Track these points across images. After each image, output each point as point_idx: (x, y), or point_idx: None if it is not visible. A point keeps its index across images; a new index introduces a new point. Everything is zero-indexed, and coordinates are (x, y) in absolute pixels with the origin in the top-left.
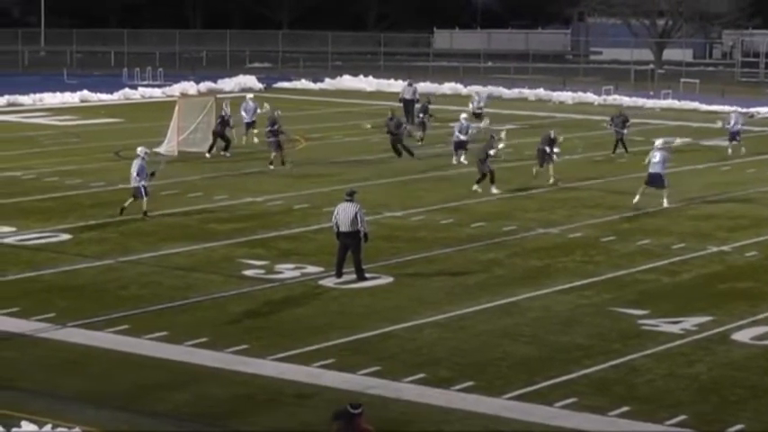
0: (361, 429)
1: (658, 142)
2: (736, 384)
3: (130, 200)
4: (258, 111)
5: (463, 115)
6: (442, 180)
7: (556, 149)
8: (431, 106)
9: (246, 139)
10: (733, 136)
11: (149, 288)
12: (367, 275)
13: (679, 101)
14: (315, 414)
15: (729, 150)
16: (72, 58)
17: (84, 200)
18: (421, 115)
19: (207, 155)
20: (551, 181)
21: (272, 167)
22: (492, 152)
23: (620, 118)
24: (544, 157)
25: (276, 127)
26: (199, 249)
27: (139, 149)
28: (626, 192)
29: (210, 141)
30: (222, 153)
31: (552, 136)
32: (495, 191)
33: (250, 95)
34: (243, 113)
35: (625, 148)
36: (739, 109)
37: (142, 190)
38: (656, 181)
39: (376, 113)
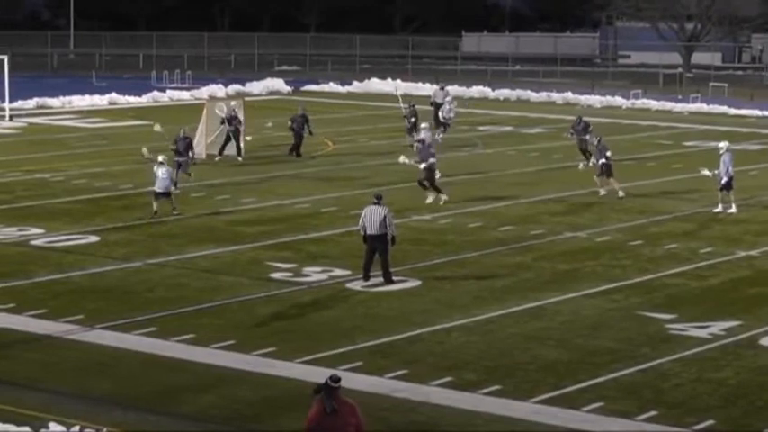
0: (341, 401)
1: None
2: (764, 389)
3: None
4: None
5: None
6: (469, 183)
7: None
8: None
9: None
10: None
11: (176, 290)
12: (394, 278)
13: (707, 105)
14: None
15: None
16: (101, 60)
17: (113, 202)
18: (413, 120)
19: (239, 158)
20: (621, 194)
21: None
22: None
23: (581, 125)
24: (609, 170)
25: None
26: (226, 252)
27: (160, 157)
28: (653, 195)
29: (237, 145)
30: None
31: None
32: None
33: (234, 103)
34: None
35: (586, 157)
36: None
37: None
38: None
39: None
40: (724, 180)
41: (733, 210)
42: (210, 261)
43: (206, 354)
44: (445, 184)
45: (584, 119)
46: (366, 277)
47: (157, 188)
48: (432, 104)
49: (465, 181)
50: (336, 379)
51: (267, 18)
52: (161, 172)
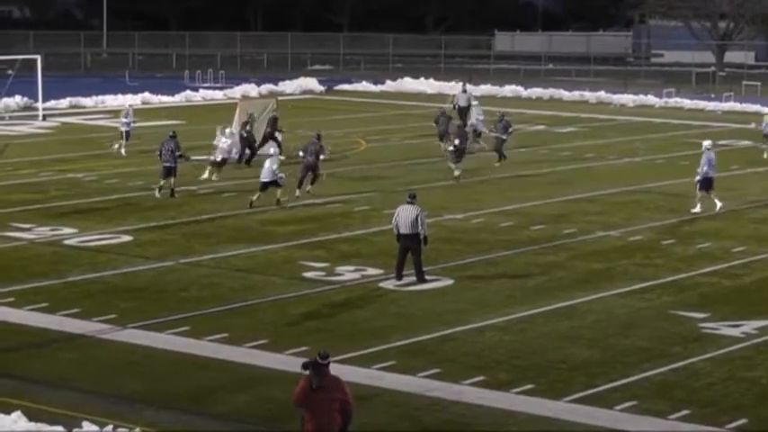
0: (330, 378)
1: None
2: None
3: (258, 193)
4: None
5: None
6: (501, 182)
7: None
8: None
9: (117, 149)
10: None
11: (210, 290)
12: (427, 278)
13: (741, 104)
14: (374, 416)
15: (766, 154)
16: (134, 60)
17: (145, 201)
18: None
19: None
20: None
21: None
22: (323, 156)
23: (502, 123)
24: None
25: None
26: (259, 251)
27: (272, 150)
28: (685, 195)
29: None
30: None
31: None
32: (297, 194)
33: (129, 102)
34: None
35: (502, 156)
36: None
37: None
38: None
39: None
40: (698, 178)
41: (718, 208)
42: (243, 260)
43: (239, 353)
44: (478, 182)
45: (507, 118)
46: (399, 276)
47: (262, 177)
48: (454, 107)
49: (497, 180)
50: (325, 356)
51: (300, 18)
52: (267, 161)
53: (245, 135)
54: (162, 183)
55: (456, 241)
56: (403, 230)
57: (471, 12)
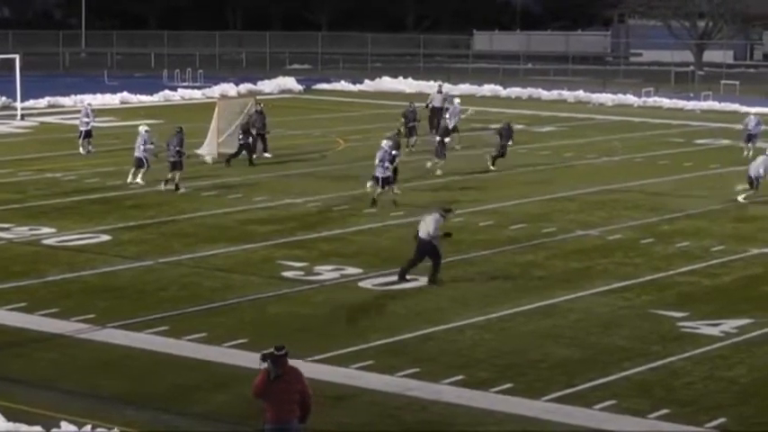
0: (288, 368)
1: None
2: None
3: (379, 189)
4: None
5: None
6: (481, 182)
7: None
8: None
9: (82, 149)
10: (750, 137)
11: (189, 289)
12: (408, 277)
13: (719, 103)
14: (354, 416)
15: (745, 152)
16: (112, 59)
17: (125, 201)
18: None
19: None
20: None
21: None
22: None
23: (506, 130)
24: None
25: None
26: (238, 251)
27: (384, 142)
28: (665, 194)
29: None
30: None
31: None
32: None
33: (87, 101)
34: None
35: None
36: (761, 110)
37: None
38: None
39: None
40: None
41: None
42: (223, 260)
43: (218, 353)
44: (457, 182)
45: (512, 125)
46: (402, 278)
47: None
48: (428, 107)
49: (476, 179)
50: (281, 347)
51: (279, 17)
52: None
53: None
54: (168, 176)
55: None
56: (422, 235)
57: (450, 11)
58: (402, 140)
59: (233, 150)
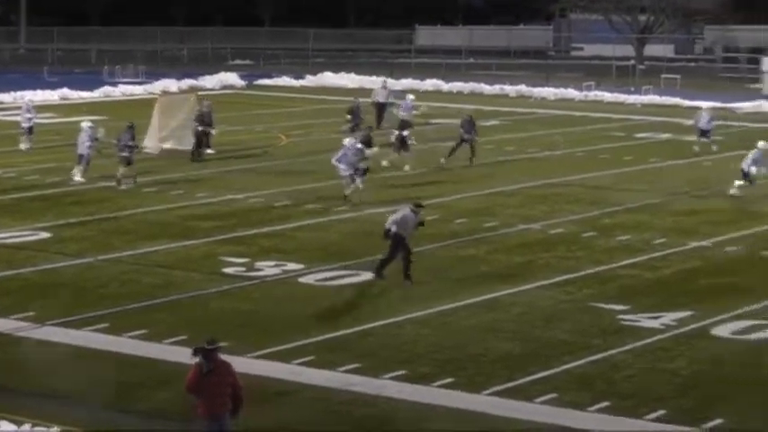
0: (219, 362)
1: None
2: (717, 379)
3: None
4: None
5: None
6: (423, 176)
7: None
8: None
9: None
10: (703, 133)
11: (129, 286)
12: (348, 272)
13: (660, 96)
14: (296, 412)
15: (696, 147)
16: (53, 55)
17: (64, 197)
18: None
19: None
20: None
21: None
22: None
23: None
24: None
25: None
26: (179, 247)
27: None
28: (606, 187)
29: (194, 142)
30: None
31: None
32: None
33: (27, 97)
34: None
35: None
36: (714, 105)
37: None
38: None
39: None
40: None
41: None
42: (163, 256)
43: (160, 349)
44: (400, 176)
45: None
46: (380, 274)
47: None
48: (373, 104)
49: (419, 174)
50: (212, 341)
51: (221, 13)
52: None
53: (199, 129)
54: (120, 171)
55: (377, 235)
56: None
57: (393, 6)
58: (356, 135)
59: (177, 146)
